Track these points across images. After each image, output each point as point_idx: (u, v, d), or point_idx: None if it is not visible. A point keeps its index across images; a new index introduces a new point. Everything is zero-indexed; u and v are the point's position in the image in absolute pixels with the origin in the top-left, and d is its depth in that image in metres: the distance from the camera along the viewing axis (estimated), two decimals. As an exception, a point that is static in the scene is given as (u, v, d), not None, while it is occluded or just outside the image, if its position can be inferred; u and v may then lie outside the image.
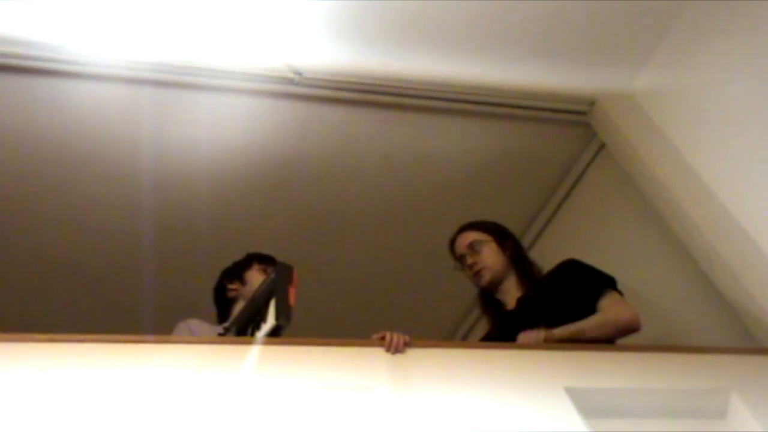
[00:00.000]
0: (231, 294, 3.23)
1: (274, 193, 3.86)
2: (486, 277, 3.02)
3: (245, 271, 3.24)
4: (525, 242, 4.27)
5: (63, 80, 3.20)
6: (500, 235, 3.10)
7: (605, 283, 2.85)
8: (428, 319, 4.48)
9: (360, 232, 4.16)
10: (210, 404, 2.03)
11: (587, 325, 2.67)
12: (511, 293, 2.99)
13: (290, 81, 3.31)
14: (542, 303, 2.85)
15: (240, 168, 3.71)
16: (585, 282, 2.86)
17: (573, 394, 2.19)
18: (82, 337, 2.16)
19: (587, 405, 2.17)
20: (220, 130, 3.53)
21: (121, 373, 2.07)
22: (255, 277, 3.17)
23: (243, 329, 2.69)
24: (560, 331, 2.64)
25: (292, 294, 2.55)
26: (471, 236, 3.10)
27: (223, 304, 3.25)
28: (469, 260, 3.06)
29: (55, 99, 3.28)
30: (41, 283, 4.11)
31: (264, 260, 3.27)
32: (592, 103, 3.66)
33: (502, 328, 2.95)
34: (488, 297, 3.07)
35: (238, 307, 3.12)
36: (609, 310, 2.74)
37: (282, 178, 3.79)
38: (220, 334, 2.93)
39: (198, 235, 3.85)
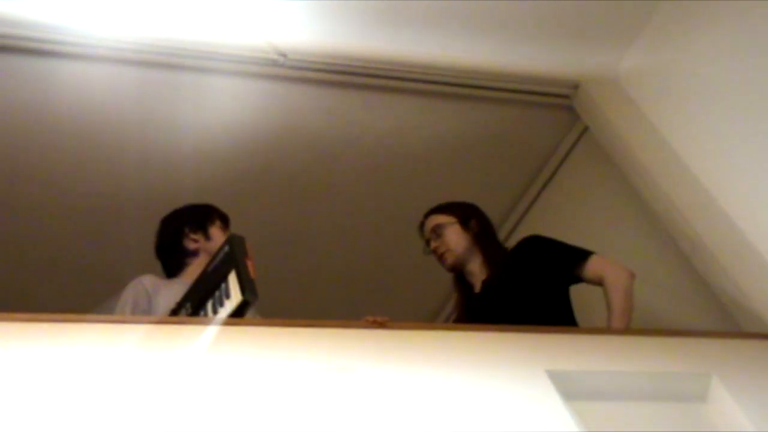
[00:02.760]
0: (192, 246, 2.92)
1: (257, 173, 3.85)
2: (449, 261, 3.03)
3: (209, 224, 2.96)
4: (508, 225, 4.29)
5: (45, 60, 3.17)
6: (464, 216, 3.08)
7: (582, 251, 2.86)
8: (411, 301, 4.48)
9: (343, 214, 4.16)
10: (191, 387, 2.03)
11: (621, 318, 2.67)
12: (477, 275, 3.00)
13: (275, 62, 3.30)
14: (504, 285, 2.87)
15: (224, 148, 3.69)
16: (557, 257, 2.88)
17: (554, 376, 2.19)
18: (61, 317, 2.14)
19: (569, 388, 2.18)
20: (205, 111, 3.52)
21: (103, 352, 2.06)
22: (217, 235, 2.90)
23: (200, 306, 2.46)
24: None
25: (251, 267, 2.42)
26: (435, 220, 3.09)
27: (177, 254, 2.93)
28: (433, 244, 3.06)
29: (37, 78, 3.24)
30: (27, 264, 4.09)
31: (224, 218, 3.01)
32: (575, 86, 3.65)
33: (468, 311, 2.96)
34: (460, 279, 3.07)
35: (197, 264, 2.83)
36: (612, 287, 2.73)
37: (266, 159, 3.78)
38: (172, 311, 2.57)
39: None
